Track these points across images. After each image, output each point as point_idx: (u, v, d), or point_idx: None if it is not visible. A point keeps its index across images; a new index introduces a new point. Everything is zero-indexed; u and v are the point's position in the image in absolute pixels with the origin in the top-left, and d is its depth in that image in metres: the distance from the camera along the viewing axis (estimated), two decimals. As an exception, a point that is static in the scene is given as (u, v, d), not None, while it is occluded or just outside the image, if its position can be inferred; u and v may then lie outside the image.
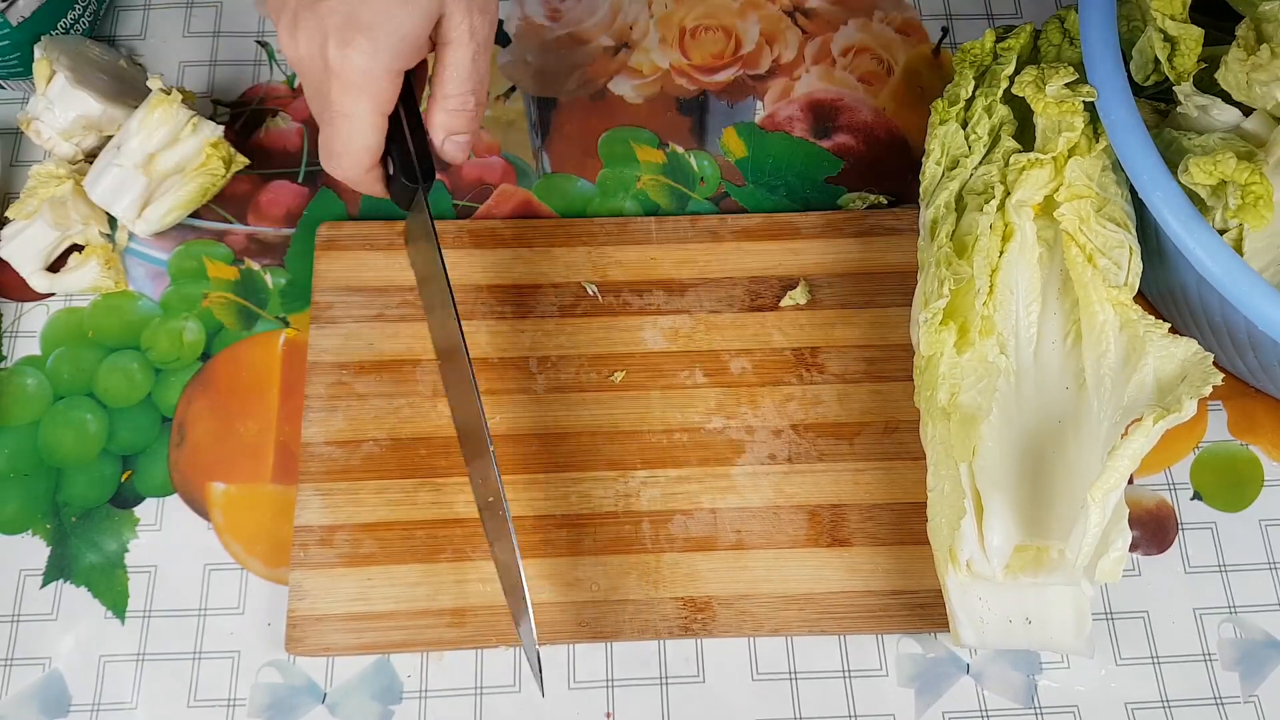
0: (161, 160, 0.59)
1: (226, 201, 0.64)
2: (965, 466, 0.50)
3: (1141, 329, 0.50)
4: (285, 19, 0.44)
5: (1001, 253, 0.53)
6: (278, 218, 0.63)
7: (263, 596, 0.55)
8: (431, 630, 0.53)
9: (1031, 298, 0.53)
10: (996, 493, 0.49)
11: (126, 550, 0.56)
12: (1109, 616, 0.56)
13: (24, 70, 0.63)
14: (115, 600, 0.55)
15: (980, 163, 0.56)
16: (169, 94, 0.59)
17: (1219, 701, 0.54)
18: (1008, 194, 0.53)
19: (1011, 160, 0.54)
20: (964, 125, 0.57)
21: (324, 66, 0.43)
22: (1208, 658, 0.55)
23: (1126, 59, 0.54)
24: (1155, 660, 0.55)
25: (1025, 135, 0.57)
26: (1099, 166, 0.54)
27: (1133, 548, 0.57)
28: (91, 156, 0.61)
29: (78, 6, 0.64)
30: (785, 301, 0.60)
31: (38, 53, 0.60)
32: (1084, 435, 0.50)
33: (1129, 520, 0.58)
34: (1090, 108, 0.54)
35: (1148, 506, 0.58)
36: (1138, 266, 0.52)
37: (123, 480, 0.57)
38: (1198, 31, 0.50)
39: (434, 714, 0.53)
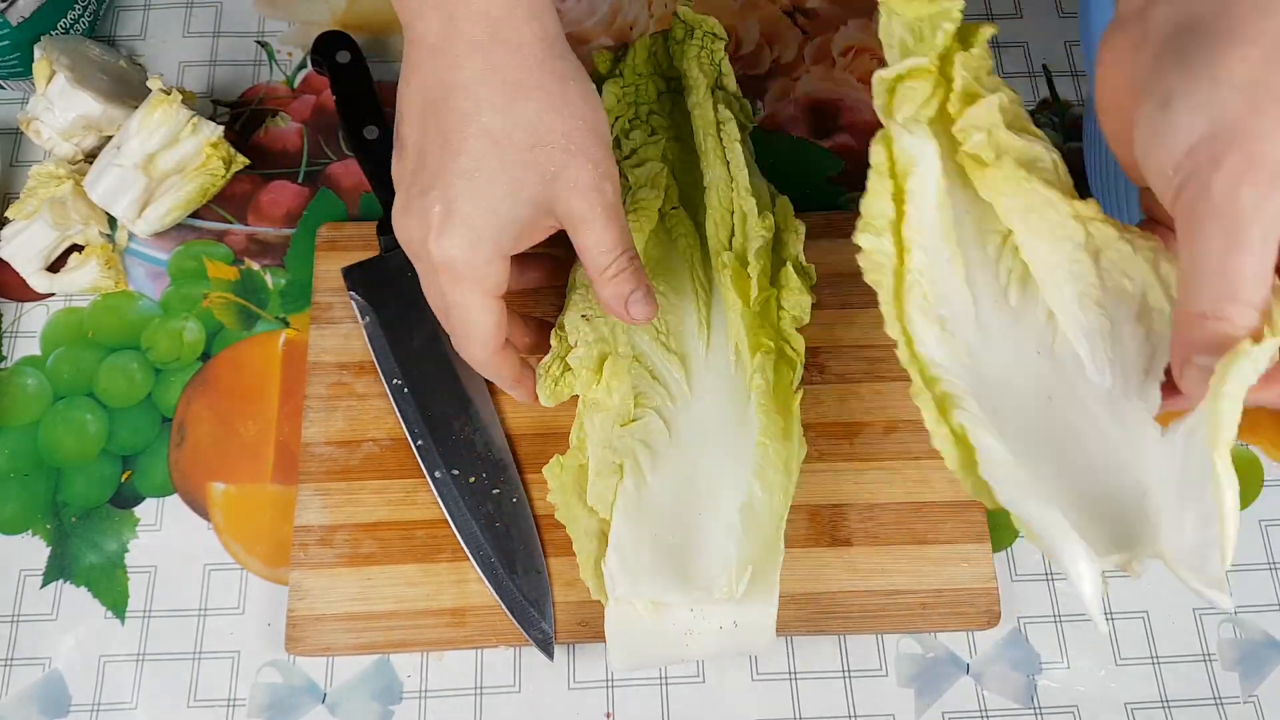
0: (161, 160, 0.59)
1: (226, 202, 0.64)
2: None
3: (1130, 248, 0.38)
4: (399, 200, 0.45)
5: (903, 199, 0.40)
6: (278, 218, 0.63)
7: (263, 596, 0.55)
8: (431, 630, 0.53)
9: (945, 252, 0.40)
10: (1043, 507, 0.35)
11: (126, 550, 0.56)
12: (1109, 617, 0.56)
13: (24, 70, 0.63)
14: (115, 600, 0.55)
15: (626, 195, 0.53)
16: (169, 94, 0.59)
17: (1219, 701, 0.54)
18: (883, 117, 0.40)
19: (876, 74, 0.40)
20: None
21: (428, 256, 0.43)
22: (1208, 658, 0.55)
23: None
24: (1155, 660, 0.55)
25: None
26: (984, 66, 0.40)
27: (1133, 548, 0.57)
28: (91, 156, 0.61)
29: (78, 6, 0.64)
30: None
31: (38, 53, 0.60)
32: (1092, 405, 0.38)
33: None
34: None
35: (1148, 506, 0.58)
36: (1068, 179, 0.40)
37: (123, 480, 0.57)
38: (1199, 31, 0.50)
39: (434, 714, 0.53)
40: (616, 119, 0.57)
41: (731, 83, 0.58)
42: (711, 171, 0.53)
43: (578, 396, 0.51)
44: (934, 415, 0.37)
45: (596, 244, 0.44)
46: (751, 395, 0.49)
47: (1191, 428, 0.34)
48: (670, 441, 0.50)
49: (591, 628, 0.53)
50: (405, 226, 0.44)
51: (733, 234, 0.52)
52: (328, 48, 0.63)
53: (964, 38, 0.40)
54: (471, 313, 0.45)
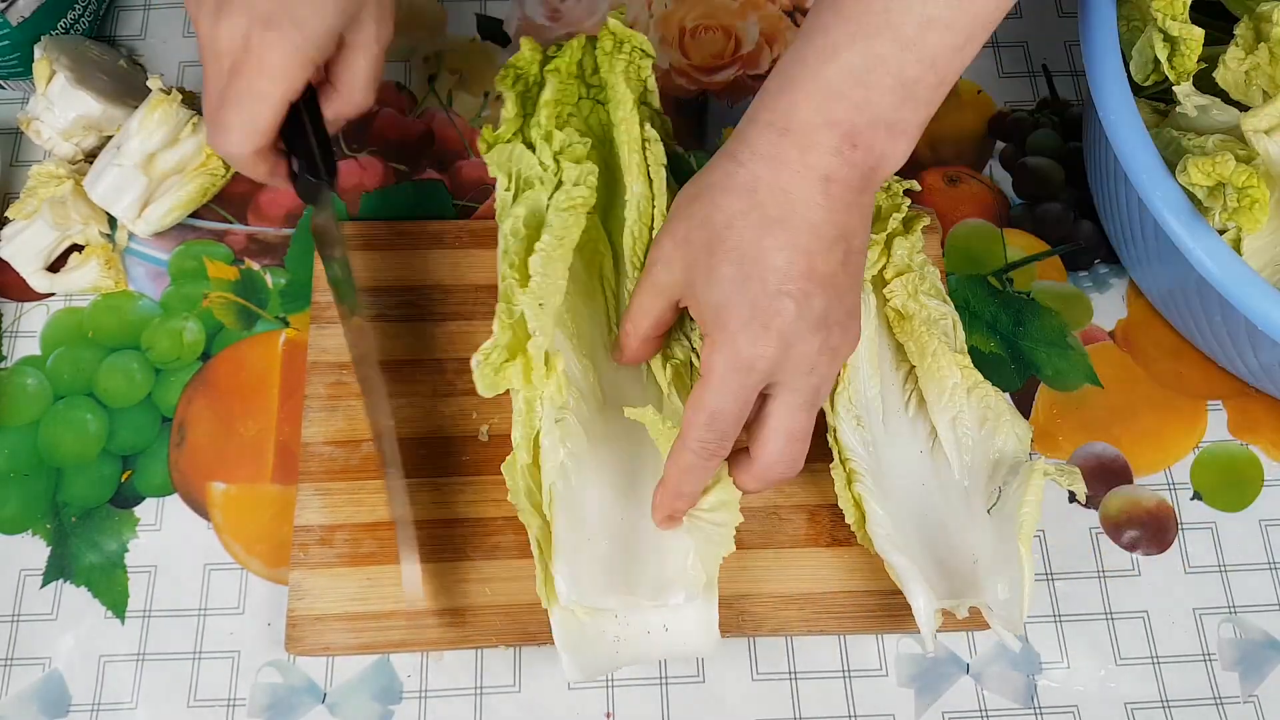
0: (161, 160, 0.59)
1: (226, 201, 0.64)
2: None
3: (992, 393, 0.53)
4: (209, 5, 0.46)
5: None
6: (278, 218, 0.63)
7: (263, 596, 0.55)
8: (431, 630, 0.53)
9: (870, 370, 0.54)
10: (904, 558, 0.50)
11: (126, 550, 0.56)
12: (1109, 616, 0.56)
13: (24, 70, 0.63)
14: (115, 600, 0.55)
15: (555, 190, 0.53)
16: (168, 94, 0.59)
17: (1219, 701, 0.54)
18: None
19: None
20: (531, 148, 0.56)
21: (244, 49, 0.46)
22: (1208, 658, 0.55)
23: (1126, 59, 0.54)
24: (1155, 660, 0.55)
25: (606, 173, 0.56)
26: (916, 246, 0.56)
27: (1133, 547, 0.57)
28: (91, 156, 0.61)
29: (78, 6, 0.64)
30: None
31: (38, 53, 0.60)
32: (952, 494, 0.52)
33: (1133, 520, 0.58)
34: (907, 192, 0.58)
35: (1148, 507, 0.58)
36: (963, 335, 0.55)
37: (123, 480, 0.57)
38: (1199, 32, 0.50)
39: (434, 714, 0.53)
40: (554, 113, 0.56)
41: (655, 100, 0.58)
42: (635, 186, 0.54)
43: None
44: (842, 483, 0.52)
45: (363, 72, 0.50)
46: (666, 403, 0.51)
47: (1007, 518, 0.49)
48: (589, 446, 0.50)
49: (591, 628, 0.53)
50: (219, 26, 0.46)
51: (649, 249, 0.51)
52: None
53: (907, 224, 0.57)
54: (263, 105, 0.47)
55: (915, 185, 0.58)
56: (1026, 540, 0.48)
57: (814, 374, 0.45)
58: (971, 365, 0.54)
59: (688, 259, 0.46)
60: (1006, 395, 0.57)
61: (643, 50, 0.57)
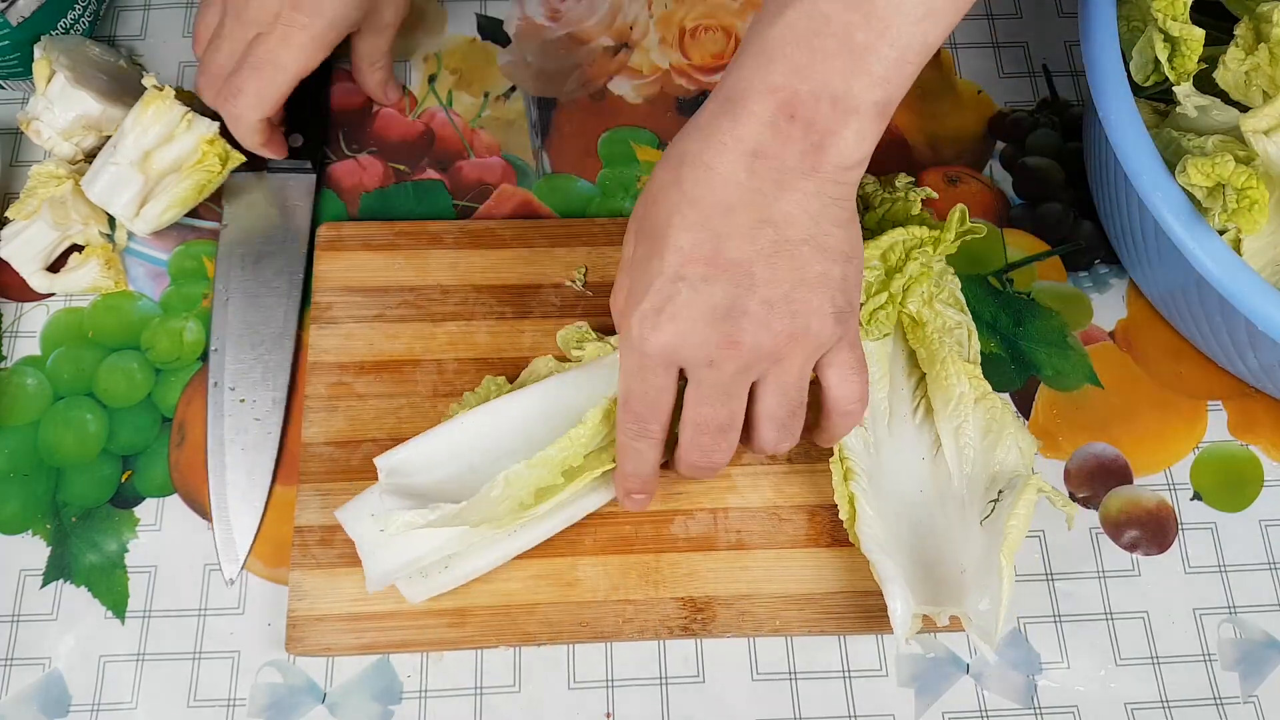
0: (157, 158, 0.59)
1: (226, 201, 0.63)
2: None
3: (999, 405, 0.53)
4: None
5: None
6: (278, 218, 0.63)
7: (263, 596, 0.55)
8: (431, 630, 0.53)
9: (880, 374, 0.54)
10: (886, 558, 0.51)
11: (126, 550, 0.56)
12: (1109, 617, 0.56)
13: (24, 70, 0.63)
14: (115, 600, 0.55)
15: None
16: (161, 90, 0.59)
17: (1219, 702, 0.54)
18: None
19: None
20: None
21: (272, 22, 0.52)
22: (1208, 658, 0.55)
23: (1126, 59, 0.54)
24: (1155, 660, 0.55)
25: None
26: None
27: (1133, 547, 0.57)
28: (91, 156, 0.61)
29: (78, 6, 0.64)
30: (567, 284, 0.60)
31: (38, 53, 0.60)
32: (948, 503, 0.52)
33: (1133, 520, 0.58)
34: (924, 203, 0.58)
35: (1148, 506, 0.58)
36: (977, 345, 0.56)
37: (123, 480, 0.57)
38: (1199, 33, 0.50)
39: (434, 714, 0.53)
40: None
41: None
42: None
43: None
44: (839, 478, 0.53)
45: (378, 48, 0.61)
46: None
47: (995, 532, 0.49)
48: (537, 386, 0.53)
49: (591, 628, 0.53)
50: None
51: None
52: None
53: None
54: (280, 75, 0.55)
55: (932, 193, 0.58)
56: (1009, 554, 0.48)
57: (714, 367, 0.42)
58: (981, 375, 0.53)
59: (632, 233, 0.46)
60: (1014, 408, 0.57)
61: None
